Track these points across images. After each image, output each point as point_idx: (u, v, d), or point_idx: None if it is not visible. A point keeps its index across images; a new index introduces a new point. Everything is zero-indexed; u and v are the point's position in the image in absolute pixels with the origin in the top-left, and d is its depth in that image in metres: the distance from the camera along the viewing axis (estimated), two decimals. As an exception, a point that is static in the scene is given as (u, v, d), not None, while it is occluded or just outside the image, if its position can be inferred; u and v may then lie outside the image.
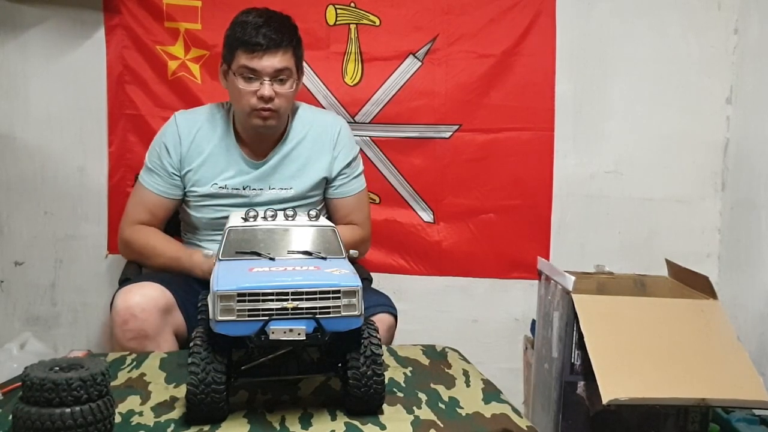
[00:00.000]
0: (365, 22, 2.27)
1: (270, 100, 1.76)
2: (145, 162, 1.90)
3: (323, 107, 2.23)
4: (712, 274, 1.86)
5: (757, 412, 1.74)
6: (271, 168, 1.89)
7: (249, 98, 1.77)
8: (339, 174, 1.94)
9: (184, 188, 1.89)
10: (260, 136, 1.87)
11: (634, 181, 2.36)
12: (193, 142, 1.87)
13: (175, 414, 1.24)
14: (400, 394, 1.35)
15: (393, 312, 1.77)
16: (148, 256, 1.86)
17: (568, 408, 1.66)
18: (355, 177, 1.98)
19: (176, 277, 1.76)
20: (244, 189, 1.87)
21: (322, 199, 1.98)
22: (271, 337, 1.13)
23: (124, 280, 1.82)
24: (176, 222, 1.99)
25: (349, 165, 1.96)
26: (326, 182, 1.95)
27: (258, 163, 1.88)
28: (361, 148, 2.10)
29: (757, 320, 2.05)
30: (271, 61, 1.75)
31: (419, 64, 2.28)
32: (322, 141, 1.93)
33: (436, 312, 2.38)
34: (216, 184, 1.86)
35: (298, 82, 1.84)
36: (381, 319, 1.70)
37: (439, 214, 2.34)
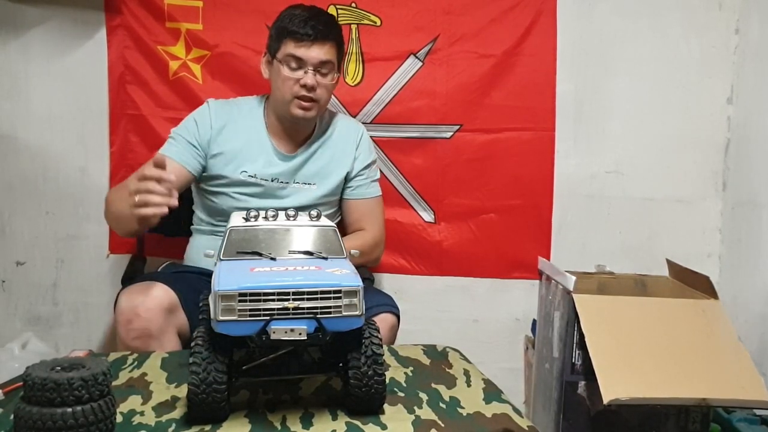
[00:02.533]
0: (366, 22, 2.28)
1: (312, 89, 1.81)
2: (169, 136, 1.89)
3: (324, 107, 2.24)
4: (712, 274, 1.86)
5: (758, 412, 1.74)
6: (300, 163, 1.92)
7: (292, 85, 1.82)
8: (358, 174, 1.98)
9: (205, 175, 1.89)
10: (294, 128, 1.91)
11: (635, 181, 2.37)
12: (224, 129, 1.89)
13: (177, 414, 1.24)
14: (401, 394, 1.35)
15: (395, 312, 1.78)
16: (108, 206, 1.78)
17: (568, 408, 1.66)
18: (372, 181, 2.02)
19: (180, 277, 1.76)
20: (272, 181, 1.89)
21: (340, 199, 2.00)
22: (272, 336, 1.13)
23: (126, 280, 1.82)
24: (188, 215, 1.98)
25: (368, 167, 2.00)
26: (345, 180, 1.98)
27: (288, 156, 1.91)
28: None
29: (758, 320, 2.05)
30: (318, 52, 1.80)
31: (420, 64, 2.28)
32: (345, 141, 1.98)
33: (437, 312, 2.38)
34: (245, 171, 1.88)
35: (338, 78, 1.89)
36: (383, 319, 1.70)
37: (440, 214, 2.34)
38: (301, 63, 1.81)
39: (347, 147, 1.98)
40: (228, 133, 1.89)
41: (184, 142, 1.87)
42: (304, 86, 1.81)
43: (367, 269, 2.06)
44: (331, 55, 1.83)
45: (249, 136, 1.90)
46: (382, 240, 2.04)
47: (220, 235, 1.83)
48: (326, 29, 1.82)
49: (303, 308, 1.13)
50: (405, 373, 1.46)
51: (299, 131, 1.93)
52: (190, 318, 1.68)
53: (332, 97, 2.23)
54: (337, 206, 2.00)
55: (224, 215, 1.89)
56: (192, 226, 2.00)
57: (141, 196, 1.44)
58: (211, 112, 1.91)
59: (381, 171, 2.28)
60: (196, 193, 1.97)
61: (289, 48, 1.81)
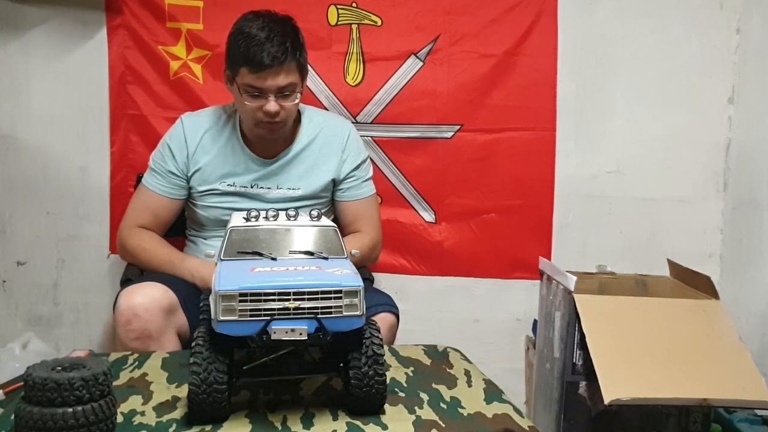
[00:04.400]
0: (367, 22, 2.27)
1: (276, 114, 1.77)
2: (149, 164, 1.91)
3: (325, 107, 2.23)
4: (713, 275, 1.86)
5: (759, 412, 1.74)
6: (280, 167, 1.90)
7: (255, 113, 1.78)
8: (347, 177, 1.95)
9: (190, 189, 1.90)
10: (267, 140, 1.88)
11: (636, 181, 2.36)
12: (200, 143, 1.88)
13: (177, 414, 1.24)
14: (402, 394, 1.35)
15: (395, 311, 1.78)
16: (141, 259, 1.86)
17: (569, 408, 1.66)
18: (364, 181, 1.99)
19: (179, 278, 1.76)
20: (252, 187, 1.88)
21: (330, 200, 1.98)
22: (273, 337, 1.13)
23: (126, 281, 1.83)
24: (181, 220, 1.99)
25: (357, 168, 1.97)
26: (334, 185, 1.95)
27: (267, 161, 1.89)
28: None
29: (759, 320, 2.05)
30: (276, 80, 1.74)
31: (421, 64, 2.28)
32: (331, 143, 1.94)
33: (438, 312, 2.38)
34: (224, 182, 1.88)
35: (302, 88, 1.84)
36: (383, 318, 1.70)
37: (440, 214, 2.34)
38: (260, 91, 1.74)
39: (332, 150, 1.94)
40: (205, 145, 1.88)
41: (163, 171, 1.88)
42: (267, 113, 1.76)
43: (366, 269, 2.06)
44: (291, 77, 1.75)
45: (225, 146, 1.88)
46: (380, 241, 2.03)
47: (212, 241, 1.86)
48: (282, 53, 1.71)
49: (303, 308, 1.13)
50: (406, 373, 1.46)
51: (273, 140, 1.89)
52: (189, 318, 1.68)
53: (332, 96, 2.25)
54: (327, 207, 1.98)
55: (212, 225, 1.90)
56: (186, 231, 2.01)
57: None
58: (185, 130, 1.89)
59: (381, 171, 2.28)
60: (186, 205, 1.97)
61: (247, 78, 1.73)
